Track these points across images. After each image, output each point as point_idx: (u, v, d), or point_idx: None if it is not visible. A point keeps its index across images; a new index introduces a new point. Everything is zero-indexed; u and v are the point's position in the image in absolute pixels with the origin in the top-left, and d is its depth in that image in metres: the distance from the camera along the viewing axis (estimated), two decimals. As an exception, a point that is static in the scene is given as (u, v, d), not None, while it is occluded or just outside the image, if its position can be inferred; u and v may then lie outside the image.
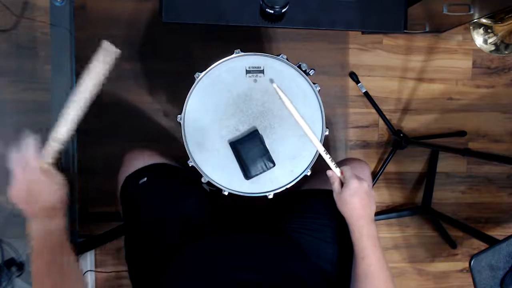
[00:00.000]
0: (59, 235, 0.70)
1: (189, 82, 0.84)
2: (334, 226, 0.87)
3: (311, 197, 0.95)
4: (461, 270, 1.72)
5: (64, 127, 0.70)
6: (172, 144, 1.49)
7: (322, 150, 0.81)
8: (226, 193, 0.85)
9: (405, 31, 1.00)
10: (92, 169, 1.45)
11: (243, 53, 0.84)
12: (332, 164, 0.81)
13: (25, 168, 0.68)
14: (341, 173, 0.80)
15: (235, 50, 0.84)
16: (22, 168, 0.68)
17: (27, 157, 0.68)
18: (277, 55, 0.85)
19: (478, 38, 1.62)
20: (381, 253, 0.76)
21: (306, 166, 0.86)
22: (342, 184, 0.80)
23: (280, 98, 0.81)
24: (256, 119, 0.85)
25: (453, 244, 1.68)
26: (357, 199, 0.77)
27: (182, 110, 0.84)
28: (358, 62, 1.58)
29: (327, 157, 0.81)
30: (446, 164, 1.66)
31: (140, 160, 0.95)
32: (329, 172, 0.81)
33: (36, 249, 0.68)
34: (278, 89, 0.80)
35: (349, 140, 1.62)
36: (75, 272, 0.71)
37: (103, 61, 0.70)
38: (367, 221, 0.78)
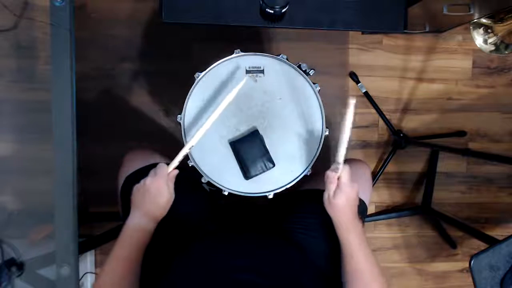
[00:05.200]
0: (146, 236, 0.78)
1: (189, 82, 0.84)
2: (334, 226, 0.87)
3: (311, 197, 0.94)
4: (461, 270, 1.72)
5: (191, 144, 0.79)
6: (172, 144, 1.49)
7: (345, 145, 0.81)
8: (226, 193, 0.85)
9: (405, 31, 1.00)
10: (92, 169, 1.45)
11: (243, 53, 0.84)
12: (341, 163, 0.79)
13: (156, 173, 0.78)
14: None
15: (235, 50, 0.84)
16: (154, 173, 0.78)
17: (159, 167, 0.79)
18: (277, 55, 0.85)
19: (478, 38, 1.62)
20: (368, 249, 0.76)
21: (306, 166, 0.86)
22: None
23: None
24: (256, 119, 0.85)
25: (453, 244, 1.68)
26: (347, 203, 0.77)
27: (182, 110, 0.84)
28: (358, 62, 1.58)
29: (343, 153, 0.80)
30: (446, 164, 1.66)
31: (140, 160, 0.95)
32: (329, 173, 0.79)
33: (121, 237, 0.77)
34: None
35: (349, 140, 1.62)
36: (137, 275, 0.76)
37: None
38: (352, 218, 0.78)
